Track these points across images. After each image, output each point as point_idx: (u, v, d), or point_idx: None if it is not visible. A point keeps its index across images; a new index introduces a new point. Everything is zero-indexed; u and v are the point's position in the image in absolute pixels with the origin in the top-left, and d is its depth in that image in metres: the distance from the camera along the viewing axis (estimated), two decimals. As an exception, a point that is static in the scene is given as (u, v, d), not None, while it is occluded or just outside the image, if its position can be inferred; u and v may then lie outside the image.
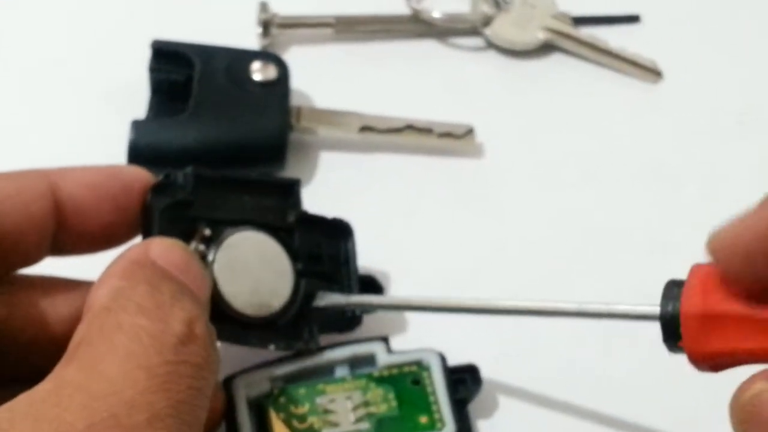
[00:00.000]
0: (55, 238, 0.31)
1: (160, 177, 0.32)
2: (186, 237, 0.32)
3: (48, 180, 0.30)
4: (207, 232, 0.32)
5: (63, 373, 0.25)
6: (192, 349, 0.26)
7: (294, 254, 0.34)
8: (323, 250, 0.35)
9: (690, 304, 0.29)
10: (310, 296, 0.34)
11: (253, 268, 0.33)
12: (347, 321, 0.35)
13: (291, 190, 0.35)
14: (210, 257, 0.32)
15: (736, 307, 0.28)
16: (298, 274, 0.34)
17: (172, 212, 0.32)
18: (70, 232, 0.31)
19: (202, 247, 0.32)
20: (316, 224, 0.35)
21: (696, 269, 0.30)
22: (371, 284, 0.37)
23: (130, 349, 0.25)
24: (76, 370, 0.25)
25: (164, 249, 0.29)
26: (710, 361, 0.29)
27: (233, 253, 0.32)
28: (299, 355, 0.35)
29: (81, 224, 0.31)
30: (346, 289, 0.35)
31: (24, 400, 0.24)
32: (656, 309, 0.30)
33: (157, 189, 0.32)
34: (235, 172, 0.35)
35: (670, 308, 0.29)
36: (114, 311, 0.26)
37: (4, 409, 0.23)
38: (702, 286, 0.29)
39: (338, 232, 0.36)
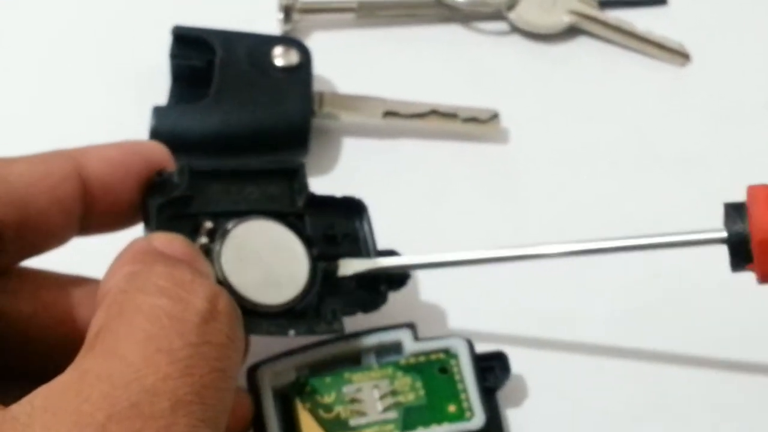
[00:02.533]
0: (82, 219, 0.30)
1: (154, 175, 0.32)
2: (190, 234, 0.31)
3: (73, 161, 0.30)
4: (209, 224, 0.31)
5: (83, 363, 0.24)
6: (215, 327, 0.25)
7: (307, 238, 0.33)
8: (337, 231, 0.34)
9: (761, 226, 0.30)
10: (329, 279, 0.33)
11: (263, 256, 0.32)
12: (372, 298, 0.34)
13: (296, 174, 0.34)
14: (216, 250, 0.31)
15: None
16: (314, 258, 0.33)
17: (169, 210, 0.31)
18: (96, 211, 0.30)
19: (204, 240, 0.31)
20: (327, 205, 0.34)
21: (755, 191, 0.31)
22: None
23: (151, 332, 0.24)
24: (96, 357, 0.24)
25: (167, 241, 0.29)
26: None
27: (240, 243, 0.32)
28: (324, 342, 0.35)
29: (107, 202, 0.31)
30: None
31: (43, 392, 0.23)
32: (721, 233, 0.31)
33: (152, 188, 0.31)
34: (235, 162, 0.34)
35: (739, 230, 0.30)
36: (132, 293, 0.25)
37: (24, 402, 0.23)
38: None
39: (351, 210, 0.35)
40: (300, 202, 0.33)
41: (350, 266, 0.33)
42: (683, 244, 0.33)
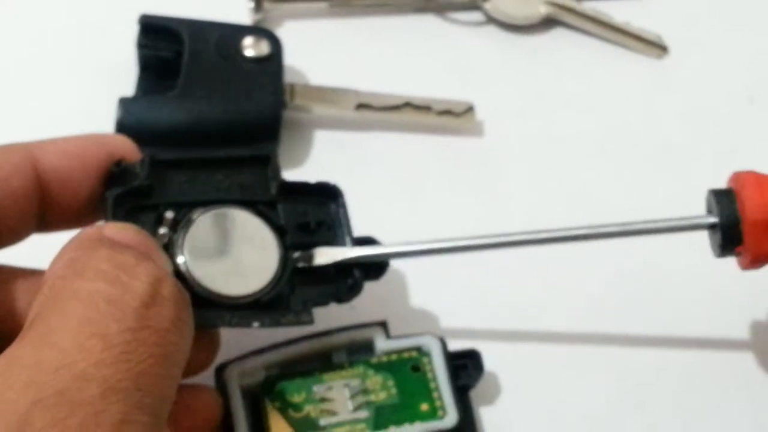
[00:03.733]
0: (41, 213, 0.29)
1: (112, 166, 0.31)
2: (152, 226, 0.30)
3: (28, 153, 0.29)
4: (169, 215, 0.30)
5: (13, 352, 0.23)
6: (157, 312, 0.24)
7: (279, 227, 0.32)
8: (311, 218, 0.33)
9: (753, 208, 0.31)
10: (304, 269, 0.32)
11: (230, 246, 0.31)
12: (346, 288, 0.32)
13: (267, 161, 0.33)
14: (178, 241, 0.30)
15: None
16: (287, 247, 0.32)
17: (128, 201, 0.30)
18: (55, 206, 0.30)
19: (163, 230, 0.30)
20: (300, 193, 0.33)
21: (742, 176, 0.32)
22: (370, 245, 0.34)
23: (86, 317, 0.23)
24: (26, 345, 0.23)
25: (117, 229, 0.27)
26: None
27: (205, 233, 0.31)
28: (294, 341, 0.34)
29: (66, 197, 0.30)
30: None
31: None
32: (710, 218, 0.32)
33: (111, 180, 0.31)
34: (201, 152, 0.32)
35: (730, 213, 0.32)
36: (69, 279, 0.24)
37: None
38: (760, 191, 0.31)
39: (326, 196, 0.34)
40: (272, 190, 0.32)
41: (326, 255, 0.32)
42: (672, 229, 0.33)
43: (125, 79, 0.42)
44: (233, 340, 0.34)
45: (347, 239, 0.33)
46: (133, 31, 0.42)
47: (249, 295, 0.31)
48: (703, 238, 0.34)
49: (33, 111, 0.42)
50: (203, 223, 0.31)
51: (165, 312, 0.24)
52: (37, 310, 0.24)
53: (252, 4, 0.45)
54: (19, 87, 0.43)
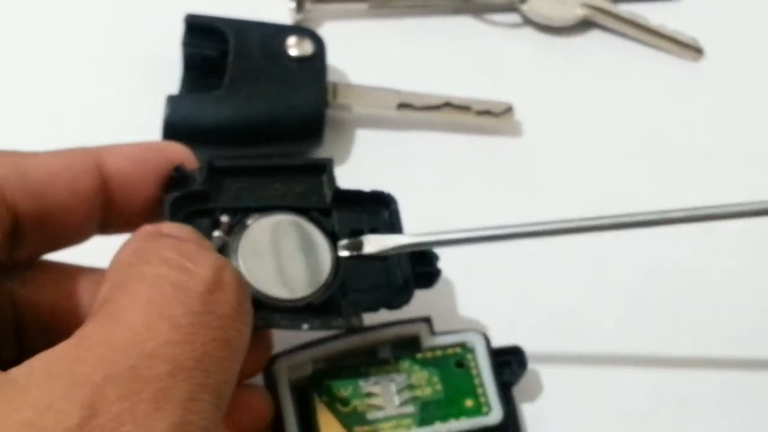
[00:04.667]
0: (103, 216, 0.30)
1: (171, 171, 0.31)
2: (208, 231, 0.31)
3: (94, 156, 0.30)
4: (224, 219, 0.31)
5: (84, 330, 0.24)
6: (220, 298, 0.25)
7: (333, 234, 0.33)
8: (364, 225, 0.33)
9: None
10: (354, 275, 0.33)
11: (283, 251, 0.32)
12: (396, 296, 0.33)
13: (323, 169, 0.33)
14: (232, 245, 0.31)
15: None
16: (339, 254, 0.33)
17: (186, 206, 0.31)
18: (116, 209, 0.30)
19: (217, 234, 0.31)
20: (354, 200, 0.34)
21: None
22: (422, 254, 0.35)
23: (152, 299, 0.24)
24: (97, 324, 0.24)
25: (174, 227, 0.28)
26: None
27: (259, 238, 0.31)
28: (340, 336, 0.34)
29: (127, 200, 0.30)
30: (395, 262, 0.33)
31: (43, 356, 0.23)
32: None
33: (170, 184, 0.31)
34: (260, 159, 0.33)
35: None
36: (136, 265, 0.25)
37: (23, 365, 0.22)
38: None
39: (379, 204, 0.34)
40: (328, 198, 0.33)
41: (376, 243, 0.32)
42: (740, 215, 0.32)
43: (168, 77, 0.43)
44: (280, 334, 0.34)
45: None
46: (176, 30, 0.42)
47: (301, 299, 0.31)
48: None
49: (78, 108, 0.43)
50: (257, 228, 0.32)
51: (227, 298, 0.25)
52: (105, 294, 0.25)
53: (293, 5, 0.45)
54: (64, 85, 0.44)
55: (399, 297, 0.33)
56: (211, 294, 0.25)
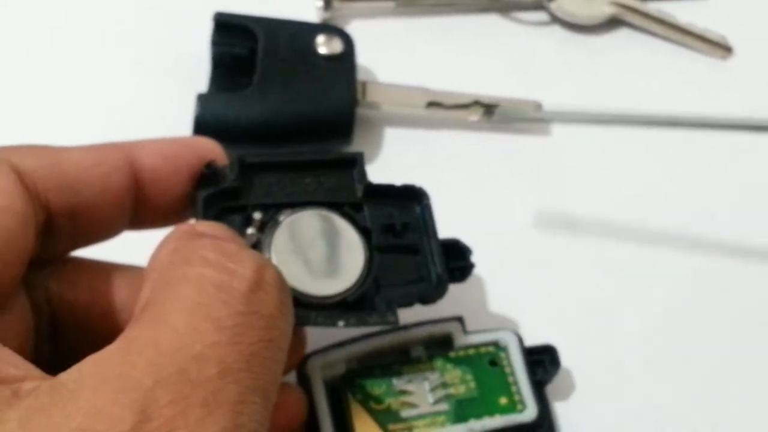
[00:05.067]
0: (133, 211, 0.30)
1: (203, 168, 0.31)
2: (241, 227, 0.31)
3: (127, 152, 0.30)
4: (257, 216, 0.31)
5: (130, 332, 0.23)
6: (262, 297, 0.25)
7: (366, 229, 0.33)
8: (396, 220, 0.33)
9: None
10: (387, 270, 0.32)
11: (316, 247, 0.31)
12: (431, 290, 0.32)
13: (354, 164, 0.33)
14: (266, 241, 0.31)
15: None
16: (372, 249, 0.32)
17: (218, 202, 0.31)
18: (148, 205, 0.30)
19: (251, 231, 0.31)
20: (385, 195, 0.33)
21: None
22: (456, 248, 0.35)
23: (197, 301, 0.24)
24: (143, 327, 0.23)
25: (209, 226, 0.28)
26: None
27: (292, 234, 0.31)
28: (373, 334, 0.34)
29: (158, 196, 0.30)
30: (428, 257, 0.33)
31: (91, 360, 0.23)
32: None
33: (202, 181, 0.31)
34: (290, 154, 0.33)
35: None
36: (178, 265, 0.25)
37: (72, 370, 0.22)
38: None
39: (411, 199, 0.34)
40: (359, 192, 0.33)
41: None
42: None
43: (196, 75, 0.43)
44: (313, 334, 0.34)
45: (432, 242, 0.33)
46: (203, 28, 0.42)
47: (335, 295, 0.31)
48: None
49: (106, 106, 0.43)
50: (290, 224, 0.31)
51: (269, 297, 0.25)
52: (148, 295, 0.25)
53: (321, 3, 0.45)
54: (92, 83, 0.44)
55: (434, 291, 0.32)
56: (254, 294, 0.25)
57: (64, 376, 0.22)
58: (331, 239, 0.32)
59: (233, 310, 0.24)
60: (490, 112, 0.42)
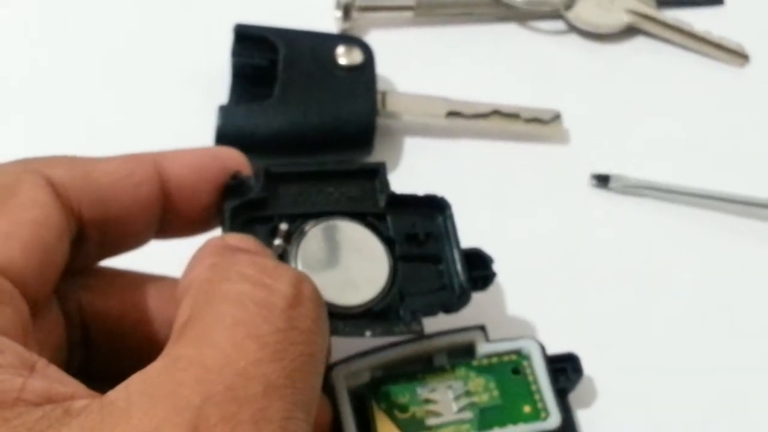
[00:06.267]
0: (161, 221, 0.30)
1: (228, 179, 0.31)
2: (267, 237, 0.31)
3: (154, 162, 0.30)
4: (283, 227, 0.31)
5: (174, 350, 0.24)
6: (301, 313, 0.25)
7: (389, 239, 0.33)
8: (419, 230, 0.33)
9: None
10: (410, 279, 0.33)
11: (341, 257, 0.32)
12: (454, 299, 0.33)
13: (377, 174, 0.33)
14: (292, 252, 0.31)
15: None
16: (396, 258, 0.33)
17: (244, 213, 0.31)
18: (174, 214, 0.30)
19: (278, 242, 0.31)
20: (408, 205, 0.33)
21: None
22: (478, 257, 0.35)
23: (238, 318, 0.24)
24: (187, 344, 0.24)
25: (239, 239, 0.28)
26: None
27: (317, 244, 0.31)
28: (397, 344, 0.35)
29: (185, 206, 0.31)
30: (451, 266, 0.33)
31: (138, 378, 0.23)
32: None
33: (228, 191, 0.31)
34: (313, 164, 0.33)
35: None
36: (216, 282, 0.25)
37: (119, 388, 0.22)
38: None
39: (434, 208, 0.34)
40: (381, 202, 0.33)
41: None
42: None
43: (215, 86, 0.43)
44: (338, 343, 0.34)
45: (455, 251, 0.33)
46: (223, 39, 0.43)
47: (361, 305, 0.31)
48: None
49: (126, 117, 0.43)
50: (315, 234, 0.32)
51: (308, 312, 0.25)
52: (188, 312, 0.25)
53: (340, 13, 0.46)
54: (113, 95, 0.44)
55: (457, 300, 0.32)
56: (293, 309, 0.25)
57: (113, 395, 0.22)
58: (356, 249, 0.32)
59: (274, 327, 0.24)
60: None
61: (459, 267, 0.33)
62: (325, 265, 0.31)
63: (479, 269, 0.34)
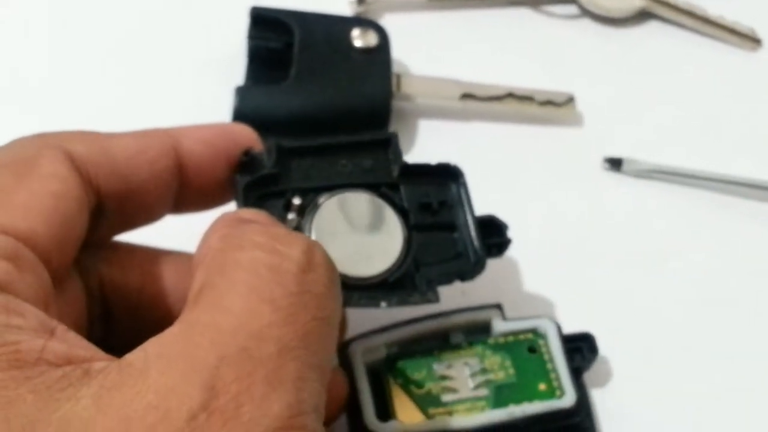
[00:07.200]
0: (176, 196, 0.31)
1: (241, 155, 0.32)
2: (281, 212, 0.31)
3: (171, 138, 0.30)
4: (297, 201, 0.32)
5: (189, 316, 0.24)
6: (313, 278, 0.25)
7: (403, 209, 0.33)
8: (433, 199, 0.33)
9: None
10: (425, 249, 0.33)
11: (356, 229, 0.32)
12: (469, 266, 0.33)
13: (389, 144, 0.33)
14: (306, 226, 0.31)
15: None
16: (410, 228, 0.33)
17: (258, 189, 0.31)
18: (190, 189, 0.31)
19: (292, 216, 0.31)
20: (421, 174, 0.33)
21: None
22: (492, 224, 0.35)
23: (251, 284, 0.24)
24: (202, 310, 0.24)
25: (252, 213, 0.29)
26: None
27: (331, 217, 0.32)
28: (414, 320, 0.35)
29: (200, 181, 0.31)
30: (465, 233, 0.33)
31: (154, 341, 0.23)
32: None
33: (241, 167, 0.32)
34: (324, 138, 0.33)
35: None
36: (229, 250, 0.26)
37: (137, 351, 0.23)
38: None
39: (447, 177, 0.34)
40: (395, 172, 0.33)
41: None
42: None
43: (231, 69, 0.43)
44: (354, 318, 0.35)
45: (470, 219, 0.33)
46: (239, 22, 0.43)
47: (376, 276, 0.31)
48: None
49: (143, 98, 0.44)
50: (329, 207, 0.32)
51: (320, 277, 0.25)
52: (202, 280, 0.25)
53: (354, -3, 0.46)
54: (130, 77, 0.44)
55: (473, 267, 0.33)
56: (305, 274, 0.25)
57: (131, 357, 0.22)
58: (370, 220, 0.32)
59: (286, 291, 0.24)
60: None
61: (473, 234, 0.33)
62: (339, 237, 0.31)
63: (494, 236, 0.34)
